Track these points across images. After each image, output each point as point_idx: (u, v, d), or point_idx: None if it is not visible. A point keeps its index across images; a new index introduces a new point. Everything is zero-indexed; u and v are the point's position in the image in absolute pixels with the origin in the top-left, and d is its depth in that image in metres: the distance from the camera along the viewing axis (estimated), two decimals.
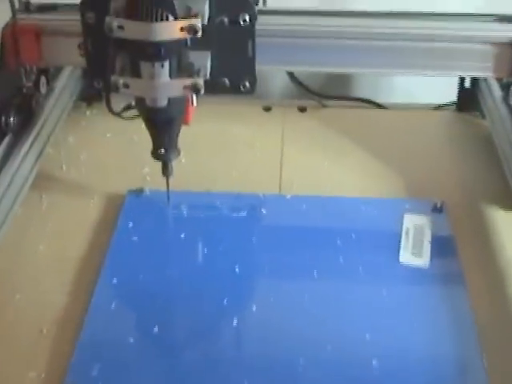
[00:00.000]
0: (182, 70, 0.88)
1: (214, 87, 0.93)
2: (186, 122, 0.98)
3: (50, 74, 1.15)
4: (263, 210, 1.05)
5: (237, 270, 0.95)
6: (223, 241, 1.00)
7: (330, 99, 1.29)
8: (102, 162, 1.17)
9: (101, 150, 1.19)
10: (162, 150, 0.97)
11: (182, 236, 1.01)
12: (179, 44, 0.86)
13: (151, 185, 1.10)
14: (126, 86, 0.87)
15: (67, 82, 1.22)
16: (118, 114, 1.02)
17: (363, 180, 1.12)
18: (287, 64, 1.05)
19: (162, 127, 0.94)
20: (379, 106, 1.30)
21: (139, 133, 1.10)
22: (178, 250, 0.99)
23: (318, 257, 0.98)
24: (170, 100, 0.89)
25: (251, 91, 0.97)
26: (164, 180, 1.03)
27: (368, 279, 0.94)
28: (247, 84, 0.95)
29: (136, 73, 0.87)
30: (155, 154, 0.98)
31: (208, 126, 1.20)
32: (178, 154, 0.99)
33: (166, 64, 0.86)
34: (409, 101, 1.33)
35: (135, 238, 1.00)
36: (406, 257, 0.97)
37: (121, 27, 0.85)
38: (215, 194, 1.08)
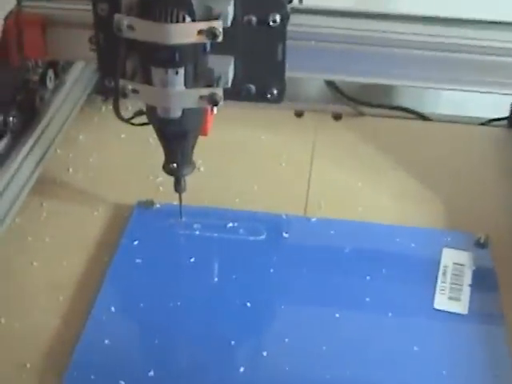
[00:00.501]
0: (198, 77, 0.79)
1: (237, 94, 0.85)
2: (203, 133, 0.88)
3: (59, 67, 1.03)
4: (285, 234, 0.94)
5: (248, 305, 0.84)
6: (237, 269, 0.90)
7: (368, 106, 1.17)
8: (113, 167, 1.07)
9: (113, 153, 1.09)
10: (175, 165, 0.87)
11: (192, 260, 0.90)
12: (197, 49, 0.77)
13: (164, 196, 1.00)
14: (136, 92, 0.79)
15: (80, 75, 1.12)
16: (128, 121, 0.91)
17: (400, 204, 1.01)
18: (321, 72, 0.92)
19: (175, 140, 0.85)
20: (423, 117, 1.18)
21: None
22: (186, 276, 0.89)
23: (342, 294, 0.87)
24: (184, 111, 0.80)
25: (279, 100, 0.87)
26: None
27: (397, 327, 0.83)
28: (275, 92, 0.86)
29: (147, 79, 0.78)
30: (167, 169, 0.89)
31: (229, 132, 1.09)
32: (193, 169, 0.89)
33: (181, 71, 0.77)
34: (456, 112, 1.20)
35: (139, 261, 0.90)
36: (442, 302, 0.86)
37: (131, 27, 0.75)
38: (232, 212, 0.97)
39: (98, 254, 0.93)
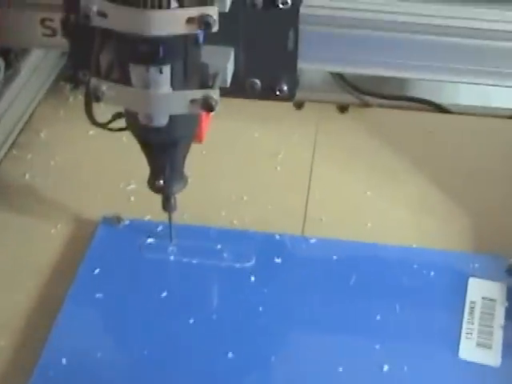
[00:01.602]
0: (189, 76, 0.65)
1: (239, 90, 0.73)
2: (198, 140, 0.73)
3: (11, 55, 0.86)
4: (277, 259, 0.78)
5: (230, 355, 0.68)
6: (218, 306, 0.74)
7: (377, 97, 1.00)
8: (77, 171, 0.92)
9: (78, 154, 0.94)
10: (161, 182, 0.72)
11: (164, 295, 0.74)
12: (186, 41, 0.62)
13: (134, 209, 0.85)
14: (112, 94, 0.64)
15: (41, 62, 0.96)
16: (104, 126, 0.75)
17: (416, 218, 0.85)
18: (336, 64, 0.77)
19: (162, 152, 0.70)
20: (441, 108, 1.02)
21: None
22: (155, 317, 0.73)
23: (347, 342, 0.71)
24: (171, 118, 0.65)
25: (290, 97, 0.74)
26: (154, 206, 0.77)
27: None
28: (285, 87, 0.73)
29: (125, 78, 0.64)
30: (152, 186, 0.74)
31: (215, 128, 0.90)
32: (185, 184, 0.74)
33: (166, 69, 0.62)
34: (479, 103, 1.03)
35: (99, 295, 0.74)
36: (469, 350, 0.70)
37: (102, 14, 0.60)
38: (215, 232, 0.81)
39: (52, 285, 0.77)
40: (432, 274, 0.77)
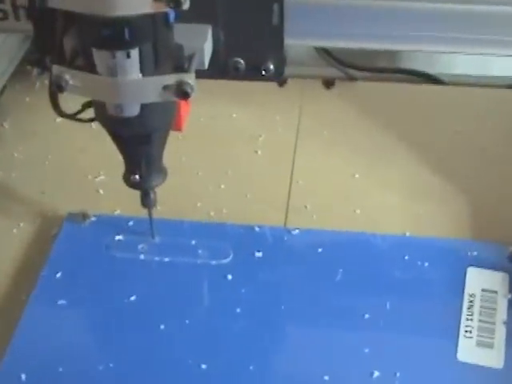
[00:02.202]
0: (161, 59, 0.58)
1: (220, 71, 0.66)
2: (177, 128, 0.66)
3: None
4: (257, 254, 0.71)
5: (203, 367, 0.62)
6: (192, 310, 0.67)
7: (364, 71, 0.93)
8: (42, 163, 0.84)
9: (44, 144, 0.87)
10: (137, 177, 0.66)
11: (132, 299, 0.67)
12: (154, 21, 0.56)
13: (103, 203, 0.78)
14: (76, 82, 0.57)
15: (1, 46, 0.87)
16: (73, 117, 0.68)
17: (408, 203, 0.78)
18: (325, 38, 0.69)
19: (135, 145, 0.64)
20: (434, 79, 0.94)
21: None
22: (122, 325, 0.66)
23: (333, 344, 0.65)
24: (143, 107, 0.59)
25: (278, 76, 0.67)
26: (124, 199, 0.72)
27: None
28: (271, 66, 0.66)
29: (90, 65, 0.57)
30: (128, 181, 0.67)
31: (193, 109, 0.84)
32: (164, 177, 0.68)
33: (134, 53, 0.56)
34: (476, 72, 0.95)
35: (62, 302, 0.67)
36: (469, 351, 0.63)
37: None
38: (189, 225, 0.74)
39: (13, 291, 0.71)
40: (426, 264, 0.71)
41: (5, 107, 0.92)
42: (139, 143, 0.64)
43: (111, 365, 0.63)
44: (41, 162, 0.85)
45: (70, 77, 0.57)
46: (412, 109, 0.90)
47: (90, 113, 0.66)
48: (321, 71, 0.96)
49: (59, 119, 0.86)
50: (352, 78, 0.95)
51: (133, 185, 0.68)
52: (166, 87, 0.57)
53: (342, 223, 0.76)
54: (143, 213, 0.73)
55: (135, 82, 0.57)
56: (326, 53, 0.95)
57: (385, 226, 0.75)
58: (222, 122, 0.88)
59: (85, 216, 0.76)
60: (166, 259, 0.72)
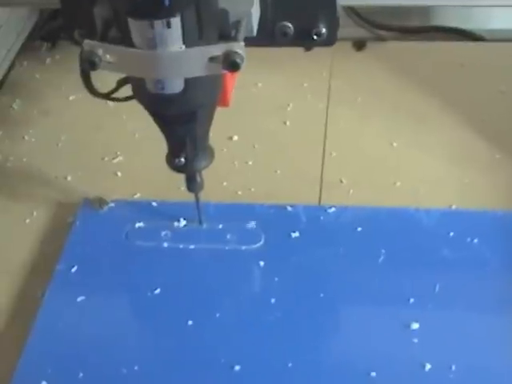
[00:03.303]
0: (205, 28, 0.53)
1: (268, 37, 0.60)
2: (223, 104, 0.61)
3: None
4: (293, 235, 0.65)
5: (237, 368, 0.56)
6: (222, 302, 0.61)
7: (397, 32, 0.86)
8: (56, 146, 0.79)
9: (56, 125, 0.82)
10: (182, 160, 0.61)
11: (157, 292, 0.62)
12: None
13: (122, 187, 0.73)
14: (110, 58, 0.53)
15: (7, 19, 0.82)
16: (108, 96, 0.63)
17: (453, 171, 0.73)
18: None
19: (179, 125, 0.60)
20: (473, 36, 0.89)
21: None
22: (147, 321, 0.61)
23: (377, 338, 0.59)
24: (187, 82, 0.55)
25: (331, 41, 0.62)
26: (145, 181, 0.69)
27: None
28: (323, 30, 0.60)
29: (126, 38, 0.53)
30: (172, 164, 0.63)
31: None
32: (211, 158, 0.64)
33: (176, 21, 0.51)
34: None
35: (81, 298, 0.62)
36: None
37: None
38: (215, 208, 0.69)
39: (29, 285, 0.66)
40: (476, 241, 0.64)
41: (13, 86, 0.87)
42: (183, 122, 0.60)
43: (136, 367, 0.58)
44: (53, 143, 0.80)
45: (103, 52, 0.53)
46: (449, 69, 0.85)
47: (125, 91, 0.60)
48: (350, 32, 0.89)
49: (72, 96, 0.82)
50: (382, 39, 0.88)
51: (177, 168, 0.63)
52: (212, 59, 0.52)
53: (381, 198, 0.71)
54: (165, 196, 0.67)
55: (177, 55, 0.53)
56: (355, 13, 0.88)
57: (428, 199, 0.70)
58: (246, 92, 0.83)
59: (102, 202, 0.71)
60: (192, 246, 0.67)
